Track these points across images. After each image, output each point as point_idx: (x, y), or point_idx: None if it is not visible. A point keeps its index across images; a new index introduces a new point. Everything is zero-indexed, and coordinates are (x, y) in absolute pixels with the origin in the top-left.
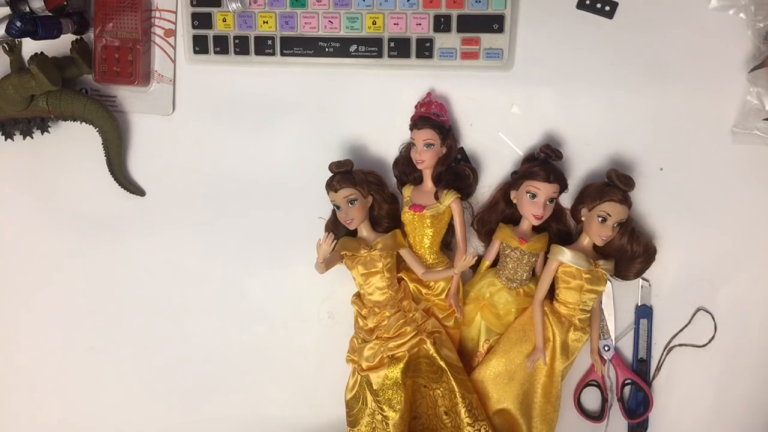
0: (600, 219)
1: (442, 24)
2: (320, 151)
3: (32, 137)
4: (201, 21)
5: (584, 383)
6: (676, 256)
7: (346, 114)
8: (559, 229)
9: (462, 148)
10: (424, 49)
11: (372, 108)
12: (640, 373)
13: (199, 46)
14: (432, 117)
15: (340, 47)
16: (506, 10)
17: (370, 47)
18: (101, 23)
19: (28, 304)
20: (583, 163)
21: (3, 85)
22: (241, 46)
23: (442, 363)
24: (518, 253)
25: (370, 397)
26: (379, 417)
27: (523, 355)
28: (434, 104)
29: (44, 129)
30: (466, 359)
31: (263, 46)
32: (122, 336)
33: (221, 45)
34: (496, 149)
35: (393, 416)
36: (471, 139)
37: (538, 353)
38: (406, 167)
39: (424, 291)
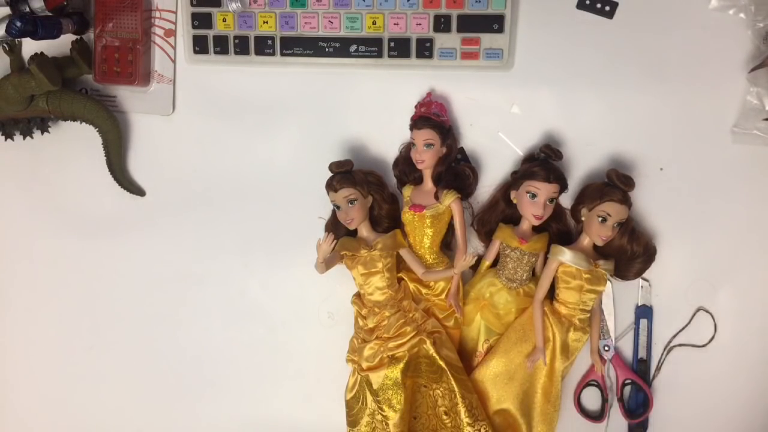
0: (600, 219)
1: (442, 24)
2: (320, 151)
3: (32, 137)
4: (201, 21)
5: (584, 383)
6: (676, 256)
7: (346, 114)
8: (559, 229)
9: (462, 148)
10: (424, 49)
11: (372, 108)
12: (640, 373)
13: (199, 46)
14: (432, 117)
15: (340, 47)
16: (506, 10)
17: (370, 47)
18: (101, 23)
19: (28, 304)
20: (583, 163)
21: (3, 85)
22: (241, 46)
23: (442, 363)
24: (518, 253)
25: (370, 397)
26: (379, 417)
27: (523, 355)
28: (434, 104)
29: (44, 129)
30: (466, 359)
31: (263, 46)
32: (122, 336)
33: (221, 45)
34: (496, 149)
35: (393, 416)
36: (471, 139)
37: (538, 353)
38: (406, 167)
39: (424, 291)
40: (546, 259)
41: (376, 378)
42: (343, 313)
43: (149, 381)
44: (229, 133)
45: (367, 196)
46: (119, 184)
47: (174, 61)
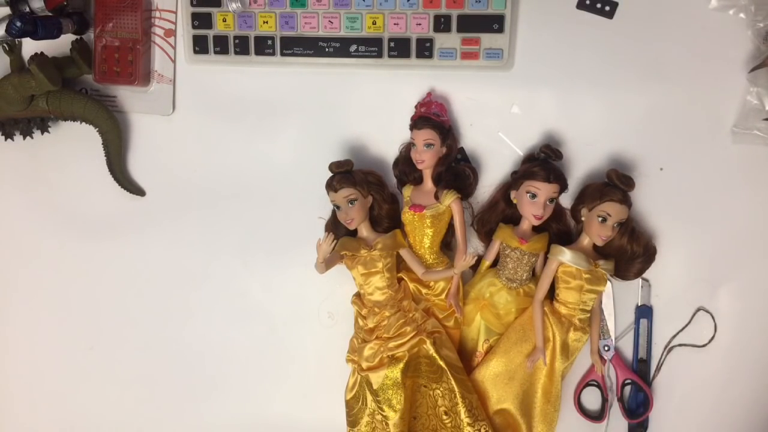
0: (600, 219)
1: (442, 24)
2: (320, 151)
3: (32, 137)
4: (201, 21)
5: (584, 383)
6: (676, 256)
7: (346, 114)
8: (559, 229)
9: (462, 148)
10: (424, 49)
11: (372, 108)
12: (640, 373)
13: (199, 46)
14: (432, 117)
15: (340, 47)
16: (506, 10)
17: (370, 47)
18: (101, 23)
19: (28, 304)
20: (583, 163)
21: (3, 85)
22: (241, 46)
23: (442, 363)
24: (518, 253)
25: (370, 397)
26: (379, 417)
27: (523, 355)
28: (434, 104)
29: (44, 129)
30: (466, 359)
31: (263, 46)
32: (122, 336)
33: (221, 45)
34: (496, 149)
35: (393, 416)
36: (471, 139)
37: (538, 353)
38: (406, 167)
39: (424, 291)
40: (546, 259)
41: (376, 378)
42: (343, 313)
43: (150, 380)
44: (229, 133)
45: (367, 196)
46: (119, 184)
47: (174, 61)
